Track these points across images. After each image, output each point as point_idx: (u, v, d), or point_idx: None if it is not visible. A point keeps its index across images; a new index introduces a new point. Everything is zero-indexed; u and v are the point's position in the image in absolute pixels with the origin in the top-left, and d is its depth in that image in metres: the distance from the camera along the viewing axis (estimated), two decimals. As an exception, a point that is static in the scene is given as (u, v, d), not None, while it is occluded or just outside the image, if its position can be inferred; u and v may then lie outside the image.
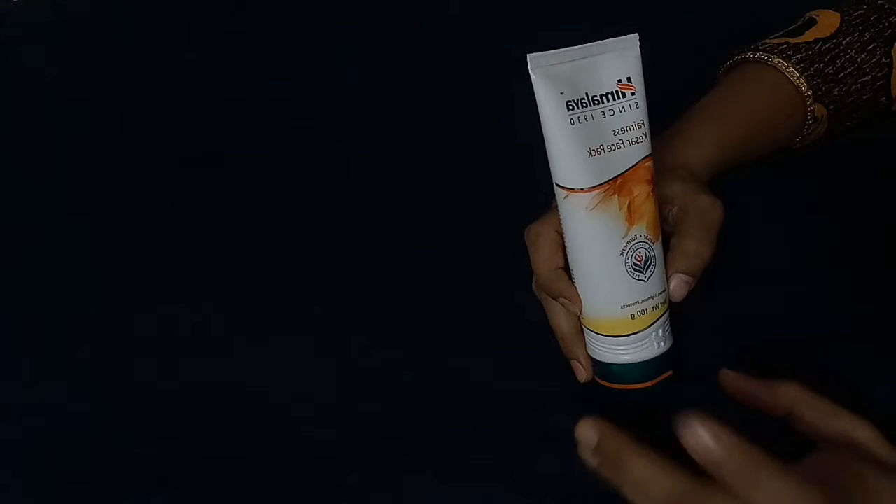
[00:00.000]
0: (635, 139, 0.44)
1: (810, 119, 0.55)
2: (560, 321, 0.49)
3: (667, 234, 0.47)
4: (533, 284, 0.51)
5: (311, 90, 0.74)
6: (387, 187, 0.65)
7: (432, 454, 0.49)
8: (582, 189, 0.43)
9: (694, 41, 0.71)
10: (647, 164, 0.44)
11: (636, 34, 0.44)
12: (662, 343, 0.46)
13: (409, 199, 0.64)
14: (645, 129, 0.44)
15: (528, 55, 0.42)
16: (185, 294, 0.60)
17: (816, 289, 0.52)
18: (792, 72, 0.55)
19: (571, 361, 0.49)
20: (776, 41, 0.57)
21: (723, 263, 0.48)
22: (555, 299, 0.48)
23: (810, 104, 0.55)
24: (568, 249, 0.46)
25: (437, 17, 0.81)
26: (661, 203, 0.47)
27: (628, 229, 0.44)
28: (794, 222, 0.56)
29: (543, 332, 0.51)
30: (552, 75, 0.42)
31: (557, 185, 0.44)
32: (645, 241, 0.44)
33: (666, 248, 0.47)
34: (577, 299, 0.46)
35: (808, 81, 0.55)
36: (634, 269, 0.44)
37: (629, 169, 0.43)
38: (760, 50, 0.56)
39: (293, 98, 0.74)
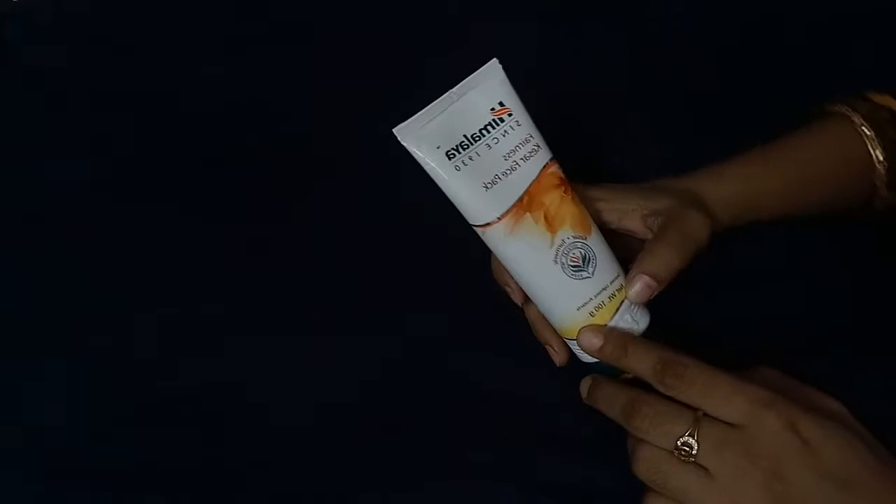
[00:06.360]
0: (528, 154, 0.44)
1: (884, 195, 0.51)
2: (528, 309, 0.49)
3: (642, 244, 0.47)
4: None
5: (311, 90, 0.74)
6: (386, 188, 0.65)
7: (432, 454, 0.49)
8: (490, 223, 0.44)
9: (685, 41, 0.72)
10: (549, 170, 0.45)
11: (494, 60, 0.45)
12: (638, 323, 0.46)
13: (408, 200, 0.64)
14: (536, 140, 0.45)
15: (393, 130, 0.43)
16: (185, 294, 0.60)
17: (816, 289, 0.53)
18: (871, 137, 0.50)
19: (546, 347, 0.49)
20: (879, 100, 0.52)
21: (722, 264, 0.48)
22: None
23: (881, 182, 0.50)
24: (511, 275, 0.47)
25: (438, 17, 0.81)
26: (648, 215, 0.47)
27: (552, 238, 0.44)
28: (794, 223, 0.56)
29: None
30: (424, 136, 0.43)
31: (471, 224, 0.45)
32: (575, 240, 0.45)
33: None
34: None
35: (888, 155, 0.49)
36: (574, 270, 0.44)
37: (532, 184, 0.44)
38: (846, 104, 0.51)
39: (293, 98, 0.74)
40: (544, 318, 0.48)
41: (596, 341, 0.44)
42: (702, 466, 0.40)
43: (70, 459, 0.51)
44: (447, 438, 0.50)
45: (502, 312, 0.55)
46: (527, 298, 0.48)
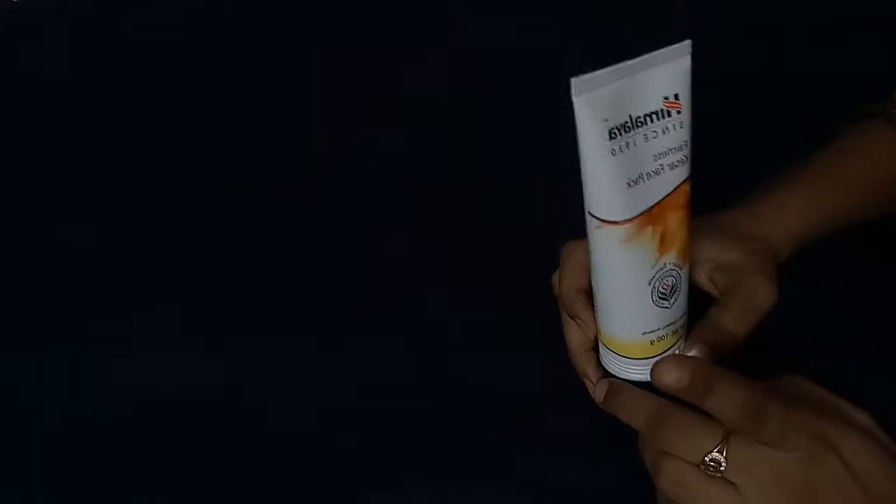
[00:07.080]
0: (676, 163, 0.39)
1: None
2: (571, 336, 0.48)
3: (711, 297, 0.46)
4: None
5: (310, 90, 0.74)
6: (386, 189, 0.65)
7: (432, 454, 0.49)
8: (616, 221, 0.39)
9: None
10: (684, 188, 0.40)
11: (688, 42, 0.37)
12: None
13: (408, 201, 0.64)
14: (687, 150, 0.40)
15: (572, 79, 0.36)
16: (185, 294, 0.60)
17: (817, 290, 0.53)
18: None
19: (583, 379, 0.47)
20: None
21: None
22: (571, 318, 0.47)
23: None
24: (593, 274, 0.43)
25: (438, 18, 0.81)
26: (715, 269, 0.46)
27: (658, 258, 0.41)
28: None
29: (545, 334, 0.50)
30: (596, 100, 0.37)
31: (590, 213, 0.40)
32: (674, 268, 0.42)
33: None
34: (591, 324, 0.46)
35: None
36: (660, 298, 0.42)
37: (666, 196, 0.40)
38: (881, 106, 0.50)
39: (293, 98, 0.74)
40: (588, 353, 0.47)
41: (682, 376, 0.39)
42: (729, 482, 0.38)
43: (70, 459, 0.51)
44: (447, 439, 0.50)
45: (503, 313, 0.55)
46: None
